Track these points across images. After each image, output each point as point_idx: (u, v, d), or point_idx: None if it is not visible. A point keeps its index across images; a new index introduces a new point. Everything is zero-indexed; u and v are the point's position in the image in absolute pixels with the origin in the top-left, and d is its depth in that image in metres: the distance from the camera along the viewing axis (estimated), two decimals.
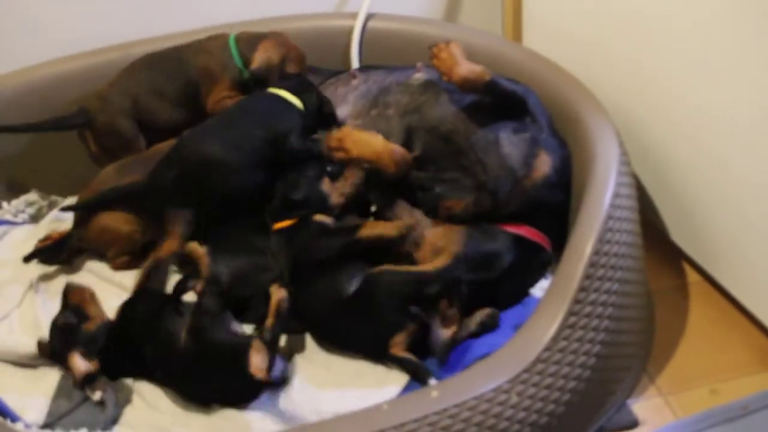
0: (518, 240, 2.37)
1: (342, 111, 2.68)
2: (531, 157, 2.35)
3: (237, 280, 2.35)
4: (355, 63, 3.00)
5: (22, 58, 2.91)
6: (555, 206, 2.42)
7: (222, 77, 2.74)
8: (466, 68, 2.35)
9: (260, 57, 2.69)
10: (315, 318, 2.29)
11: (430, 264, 2.26)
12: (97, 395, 2.20)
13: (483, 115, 2.38)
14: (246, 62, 2.73)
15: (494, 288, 2.32)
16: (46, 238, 2.65)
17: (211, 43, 2.78)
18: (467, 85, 2.36)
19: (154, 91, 2.75)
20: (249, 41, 2.76)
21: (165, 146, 2.59)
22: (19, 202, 2.87)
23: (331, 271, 2.27)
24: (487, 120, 2.37)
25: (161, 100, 2.75)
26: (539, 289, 2.36)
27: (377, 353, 2.21)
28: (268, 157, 2.47)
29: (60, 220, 2.78)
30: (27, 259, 2.57)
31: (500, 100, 2.38)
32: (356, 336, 2.24)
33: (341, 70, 2.91)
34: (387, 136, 2.49)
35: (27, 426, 2.14)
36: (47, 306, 2.47)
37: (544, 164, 2.36)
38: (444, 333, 2.21)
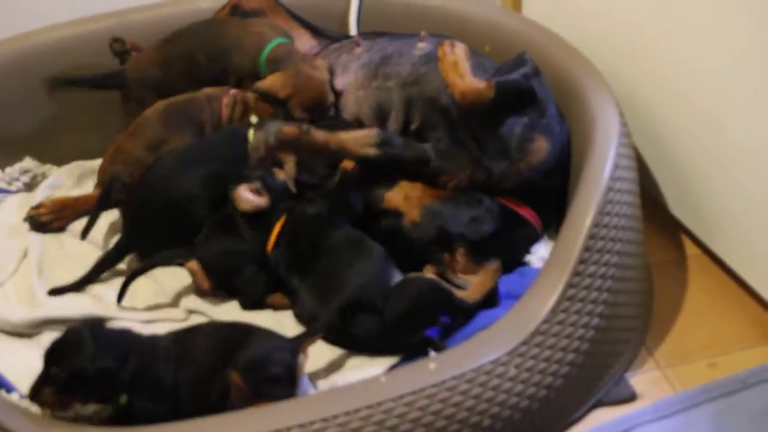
0: (504, 210, 2.39)
1: (343, 80, 2.65)
2: (526, 141, 2.35)
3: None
4: (353, 31, 2.98)
5: (18, 25, 2.88)
6: (549, 189, 2.42)
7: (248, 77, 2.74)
8: (469, 87, 2.29)
9: (267, 82, 2.63)
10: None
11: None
12: None
13: None
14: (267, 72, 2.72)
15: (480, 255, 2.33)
16: (39, 206, 2.64)
17: (251, 42, 2.76)
18: (469, 104, 2.31)
19: (186, 82, 2.77)
20: (276, 60, 2.72)
21: (206, 91, 2.70)
22: (13, 170, 2.85)
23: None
24: None
25: (190, 81, 2.76)
26: (538, 259, 2.35)
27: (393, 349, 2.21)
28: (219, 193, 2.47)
29: (54, 188, 2.78)
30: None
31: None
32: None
33: (346, 36, 2.90)
34: (387, 109, 2.49)
35: (22, 397, 2.13)
36: (41, 275, 2.47)
37: (541, 149, 2.36)
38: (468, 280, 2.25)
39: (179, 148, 2.56)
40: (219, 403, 2.02)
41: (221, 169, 2.46)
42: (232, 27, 2.80)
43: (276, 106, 2.62)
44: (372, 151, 2.34)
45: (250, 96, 2.64)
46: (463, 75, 2.31)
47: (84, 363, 1.97)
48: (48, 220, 2.62)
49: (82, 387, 1.99)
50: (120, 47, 2.85)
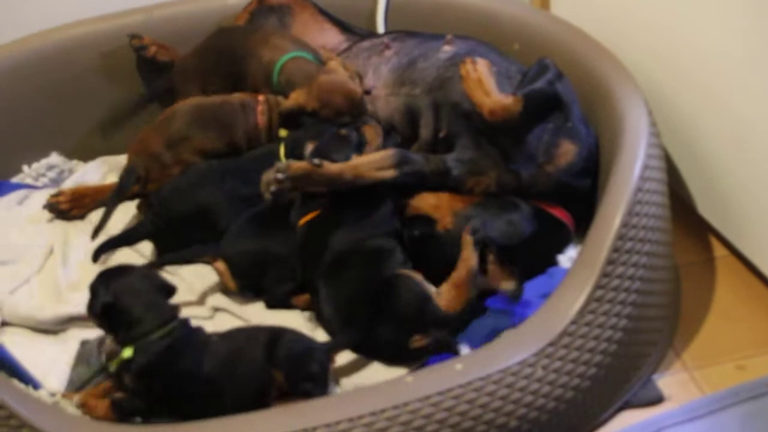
0: (540, 213, 2.37)
1: (373, 80, 2.67)
2: (552, 146, 2.35)
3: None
4: (381, 28, 2.97)
5: (44, 20, 2.89)
6: (581, 191, 2.40)
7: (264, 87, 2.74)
8: (497, 104, 2.29)
9: (291, 101, 2.62)
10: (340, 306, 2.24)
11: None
12: None
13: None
14: (281, 88, 2.70)
15: (513, 257, 2.30)
16: (59, 193, 2.66)
17: (267, 52, 2.74)
18: (497, 120, 2.30)
19: (215, 73, 2.80)
20: (289, 71, 2.70)
21: (239, 97, 2.69)
22: (39, 166, 2.86)
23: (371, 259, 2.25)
24: None
25: (219, 76, 2.80)
26: (567, 259, 2.34)
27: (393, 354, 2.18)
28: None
29: (81, 184, 2.79)
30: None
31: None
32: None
33: (374, 33, 2.91)
34: (417, 115, 2.51)
35: (51, 394, 2.14)
36: (67, 271, 2.47)
37: (568, 153, 2.35)
38: (505, 285, 2.23)
39: (217, 162, 2.57)
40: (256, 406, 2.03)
41: (253, 190, 2.43)
42: (256, 35, 2.80)
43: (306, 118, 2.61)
44: (391, 173, 2.32)
45: (282, 100, 2.64)
46: (489, 92, 2.31)
47: (101, 291, 2.06)
48: (67, 207, 2.65)
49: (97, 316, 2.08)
50: (138, 43, 2.88)
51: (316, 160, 2.25)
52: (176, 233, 2.46)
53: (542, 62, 2.40)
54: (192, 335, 2.10)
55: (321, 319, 2.28)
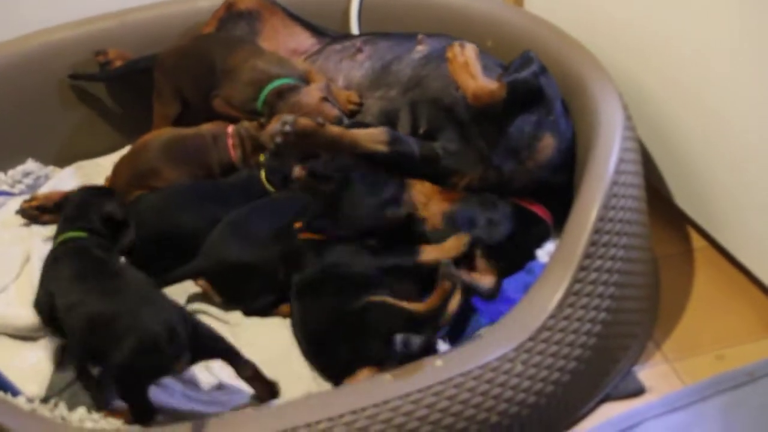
0: (518, 210, 2.38)
1: (343, 85, 2.69)
2: (534, 140, 2.34)
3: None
4: (354, 27, 2.97)
5: (17, 27, 2.87)
6: (558, 186, 2.40)
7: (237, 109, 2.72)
8: (482, 88, 2.28)
9: (267, 132, 2.57)
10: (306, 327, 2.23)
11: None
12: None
13: None
14: (265, 110, 2.67)
15: (495, 255, 2.31)
16: (32, 198, 2.63)
17: (247, 75, 2.70)
18: (481, 104, 2.30)
19: (190, 77, 2.78)
20: (273, 101, 2.64)
21: (208, 128, 2.67)
22: (16, 172, 2.84)
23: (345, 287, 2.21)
24: None
25: (192, 81, 2.78)
26: (545, 254, 2.34)
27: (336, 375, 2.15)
28: None
29: (57, 189, 2.75)
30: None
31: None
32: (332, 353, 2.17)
33: (346, 34, 2.90)
34: (393, 117, 2.49)
35: (30, 401, 2.13)
36: None
37: (548, 147, 2.35)
38: (485, 281, 2.24)
39: (197, 185, 2.57)
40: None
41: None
42: (241, 52, 2.74)
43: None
44: (382, 148, 2.33)
45: (252, 127, 2.62)
46: (474, 76, 2.30)
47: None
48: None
49: None
50: (103, 59, 2.88)
51: (320, 119, 2.27)
52: (151, 251, 2.44)
53: (526, 55, 2.39)
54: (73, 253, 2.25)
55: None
